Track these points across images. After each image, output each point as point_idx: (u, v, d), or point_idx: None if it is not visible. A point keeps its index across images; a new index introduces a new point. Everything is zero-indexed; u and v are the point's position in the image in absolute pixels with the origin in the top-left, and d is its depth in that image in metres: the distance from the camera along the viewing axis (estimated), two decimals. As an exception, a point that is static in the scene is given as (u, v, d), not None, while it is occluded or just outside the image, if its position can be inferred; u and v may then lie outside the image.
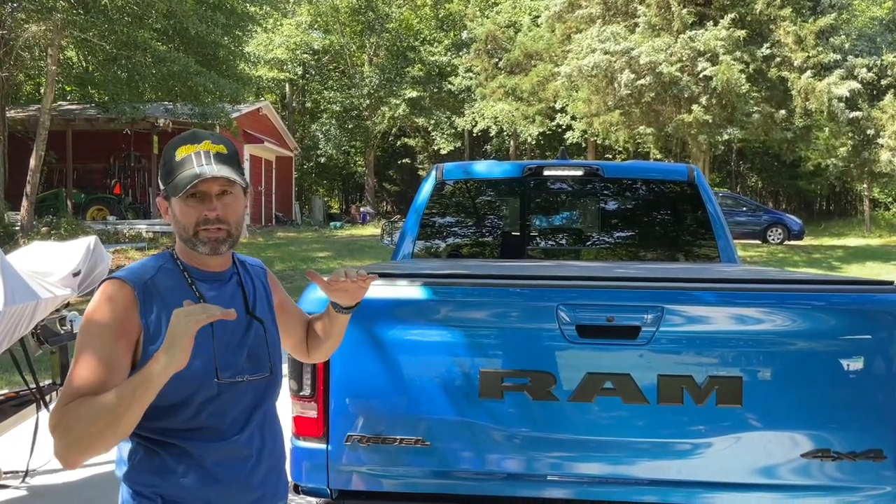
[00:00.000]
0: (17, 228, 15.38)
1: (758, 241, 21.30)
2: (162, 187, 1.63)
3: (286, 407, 2.50)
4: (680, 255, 4.18)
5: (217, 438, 1.61)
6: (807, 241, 22.40)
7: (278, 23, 30.91)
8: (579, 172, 4.20)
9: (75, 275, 4.37)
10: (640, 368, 2.19)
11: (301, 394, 2.39)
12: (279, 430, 1.78)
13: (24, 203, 15.57)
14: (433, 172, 4.29)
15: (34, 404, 4.33)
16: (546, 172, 4.19)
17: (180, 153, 1.59)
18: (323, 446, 2.38)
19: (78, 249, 4.44)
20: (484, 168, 4.43)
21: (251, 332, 1.68)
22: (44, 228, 15.65)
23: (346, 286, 1.76)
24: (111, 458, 4.91)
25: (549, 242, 4.37)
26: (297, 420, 2.42)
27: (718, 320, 2.21)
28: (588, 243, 4.31)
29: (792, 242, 21.58)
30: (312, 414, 2.38)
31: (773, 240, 21.63)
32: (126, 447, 1.63)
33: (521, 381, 2.22)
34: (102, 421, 1.39)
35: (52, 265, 4.32)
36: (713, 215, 4.09)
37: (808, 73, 17.76)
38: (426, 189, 4.22)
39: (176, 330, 1.39)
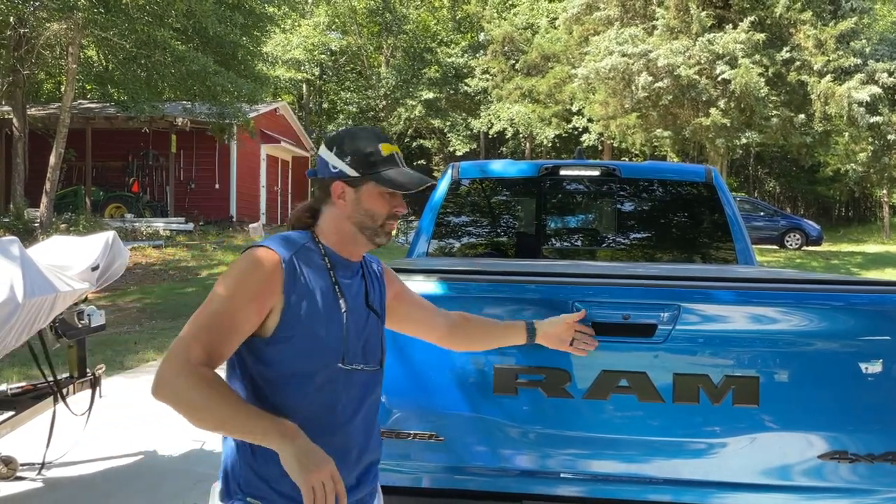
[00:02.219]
0: (36, 225, 15.56)
1: (775, 247, 21.12)
2: (352, 172, 1.66)
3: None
4: (697, 257, 4.15)
5: (326, 426, 1.62)
6: (825, 246, 22.18)
7: (296, 23, 31.08)
8: (596, 172, 4.18)
9: (94, 269, 4.41)
10: (655, 367, 2.17)
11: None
12: (378, 427, 1.81)
13: (44, 200, 15.75)
14: (449, 171, 4.29)
15: (51, 397, 4.36)
16: (563, 172, 4.18)
17: (385, 149, 1.68)
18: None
19: (97, 244, 4.48)
20: (500, 167, 4.43)
21: (369, 323, 1.74)
22: (62, 225, 15.83)
23: (567, 339, 2.09)
24: (128, 451, 4.95)
25: (565, 242, 4.35)
26: None
27: (736, 319, 2.19)
28: (604, 244, 4.30)
29: (810, 248, 21.38)
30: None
31: (791, 245, 21.44)
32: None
33: (535, 377, 2.21)
34: (209, 421, 1.47)
35: (70, 259, 4.35)
36: (731, 218, 4.06)
37: (828, 77, 17.61)
38: (442, 188, 4.22)
39: (316, 460, 1.43)
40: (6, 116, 18.68)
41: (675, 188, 4.27)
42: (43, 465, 4.46)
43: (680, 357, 2.18)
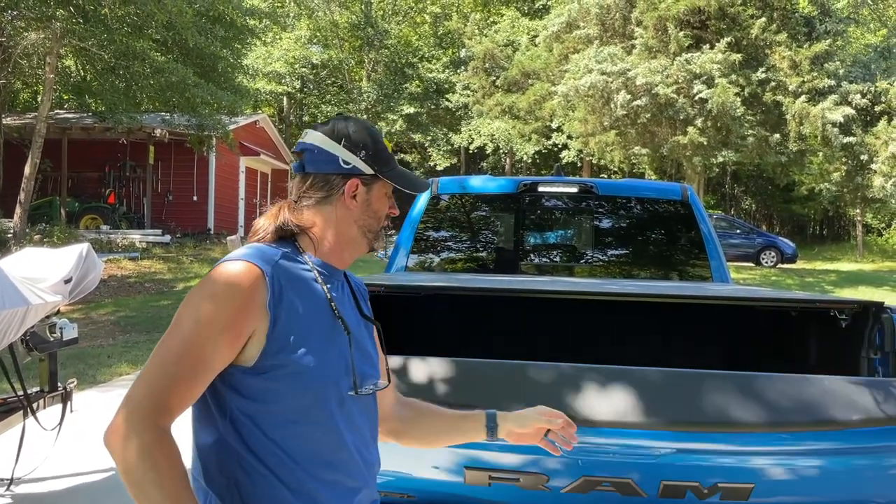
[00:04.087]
0: (9, 235, 15.31)
1: (751, 264, 21.37)
2: (367, 169, 1.46)
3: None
4: (673, 273, 4.19)
5: (337, 466, 1.39)
6: (800, 264, 22.48)
7: (277, 37, 31.06)
8: (574, 189, 4.22)
9: (66, 282, 4.34)
10: None
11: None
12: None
13: (18, 210, 15.51)
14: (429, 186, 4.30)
15: (21, 412, 4.28)
16: (541, 189, 4.21)
17: (388, 144, 1.58)
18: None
19: (70, 256, 4.42)
20: (479, 183, 4.45)
21: (369, 336, 1.54)
22: (36, 236, 15.59)
23: (539, 437, 1.64)
24: (99, 467, 4.86)
25: (543, 258, 4.38)
26: None
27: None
28: (581, 260, 4.33)
29: (785, 265, 21.65)
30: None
31: (767, 262, 21.71)
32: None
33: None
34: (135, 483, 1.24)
35: (43, 271, 4.29)
36: (706, 235, 4.11)
37: (803, 97, 17.92)
38: (421, 202, 4.23)
39: None
40: (-20, 125, 18.41)
41: (651, 206, 4.32)
42: (11, 481, 4.37)
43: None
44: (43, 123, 15.46)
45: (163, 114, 18.67)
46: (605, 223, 4.32)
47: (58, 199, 19.49)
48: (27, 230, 15.80)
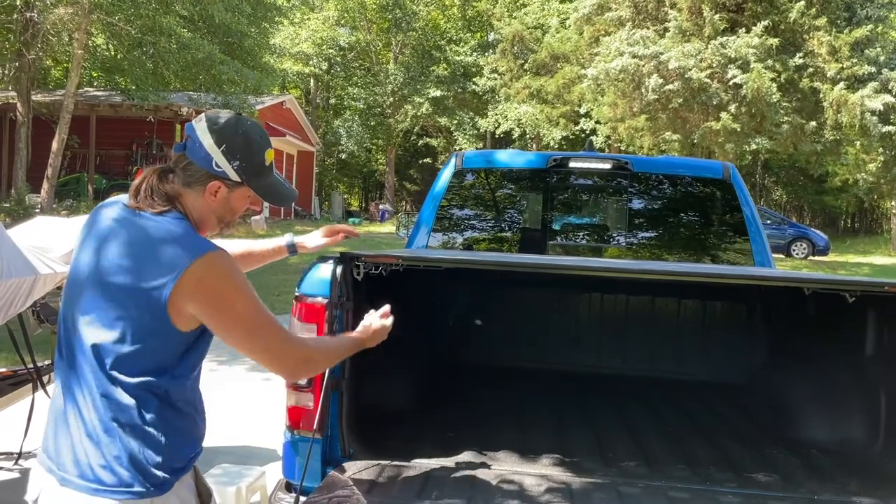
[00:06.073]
0: (37, 211, 15.42)
1: (781, 256, 20.87)
2: (234, 177, 1.67)
3: (280, 397, 2.31)
4: (711, 258, 3.94)
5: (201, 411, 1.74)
6: (831, 257, 21.93)
7: (305, 17, 30.92)
8: (607, 166, 3.98)
9: (78, 252, 4.22)
10: None
11: (297, 383, 2.20)
12: None
13: (45, 185, 15.63)
14: (453, 160, 4.09)
15: (30, 384, 4.19)
16: (572, 164, 3.98)
17: (269, 156, 1.72)
18: (319, 439, 2.19)
19: (82, 226, 4.29)
20: (506, 157, 4.23)
21: None
22: (63, 212, 15.68)
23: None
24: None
25: (572, 239, 4.15)
26: (292, 411, 2.22)
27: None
28: (612, 242, 4.09)
29: (816, 258, 21.12)
30: (309, 404, 2.19)
31: (798, 254, 21.19)
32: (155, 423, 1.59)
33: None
34: (333, 361, 1.93)
35: (54, 241, 4.16)
36: (749, 218, 3.85)
37: (841, 84, 17.35)
38: (444, 177, 4.02)
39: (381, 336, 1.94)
40: (11, 101, 18.56)
41: (689, 185, 4.06)
42: (20, 455, 4.28)
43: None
44: (71, 99, 15.50)
45: (190, 92, 18.69)
46: (640, 202, 4.07)
47: (85, 175, 19.63)
48: (54, 205, 15.90)
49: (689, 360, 3.83)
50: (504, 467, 2.32)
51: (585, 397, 3.37)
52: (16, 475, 4.20)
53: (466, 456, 2.38)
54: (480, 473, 2.26)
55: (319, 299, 2.23)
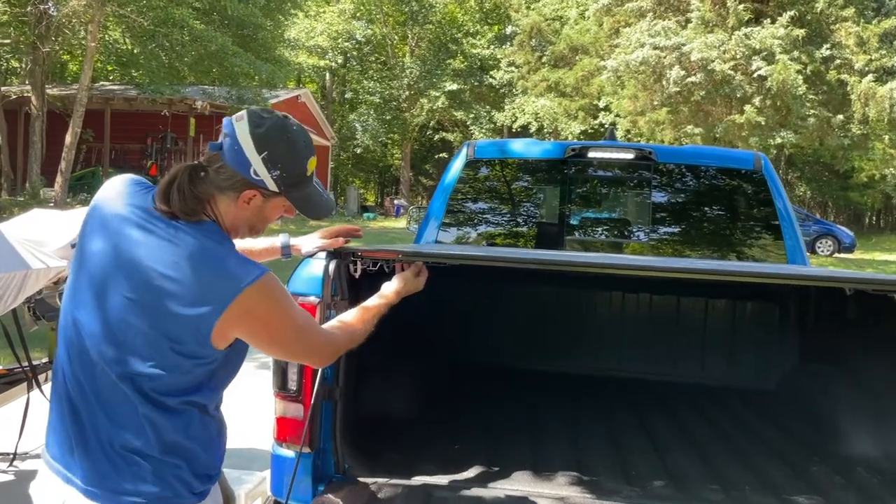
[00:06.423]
0: (51, 205, 15.41)
1: (807, 253, 20.40)
2: (273, 188, 1.53)
3: (268, 407, 2.10)
4: (738, 254, 3.68)
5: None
6: (857, 254, 21.47)
7: (321, 10, 30.82)
8: (630, 156, 3.72)
9: (74, 246, 4.04)
10: None
11: (285, 391, 1.99)
12: None
13: (59, 179, 15.64)
14: (464, 149, 3.85)
15: (25, 383, 4.05)
16: (592, 154, 3.72)
17: (311, 165, 1.59)
18: (309, 454, 1.98)
19: (79, 219, 4.11)
20: (522, 147, 3.98)
21: None
22: (77, 205, 15.66)
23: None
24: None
25: (591, 234, 3.90)
26: (280, 423, 2.01)
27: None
28: (635, 237, 3.84)
29: (842, 255, 20.65)
30: (298, 415, 1.97)
31: (823, 251, 20.74)
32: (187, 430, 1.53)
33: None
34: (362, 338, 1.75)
35: (49, 234, 4.01)
36: (782, 212, 3.58)
37: (870, 76, 16.95)
38: (455, 167, 3.78)
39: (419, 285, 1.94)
40: (26, 95, 18.62)
41: (718, 176, 3.79)
42: (15, 456, 4.14)
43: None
44: (84, 92, 15.48)
45: (204, 86, 18.65)
46: (664, 195, 3.80)
47: (100, 169, 19.63)
48: (68, 199, 15.88)
49: (716, 365, 3.58)
50: (515, 486, 2.09)
51: (604, 405, 3.13)
52: (11, 477, 4.07)
53: (473, 472, 2.15)
54: (489, 493, 2.03)
55: (311, 299, 2.01)
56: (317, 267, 2.03)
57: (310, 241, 2.08)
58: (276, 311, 1.52)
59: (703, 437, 2.77)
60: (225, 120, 1.57)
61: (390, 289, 1.89)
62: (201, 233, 1.49)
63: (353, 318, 1.76)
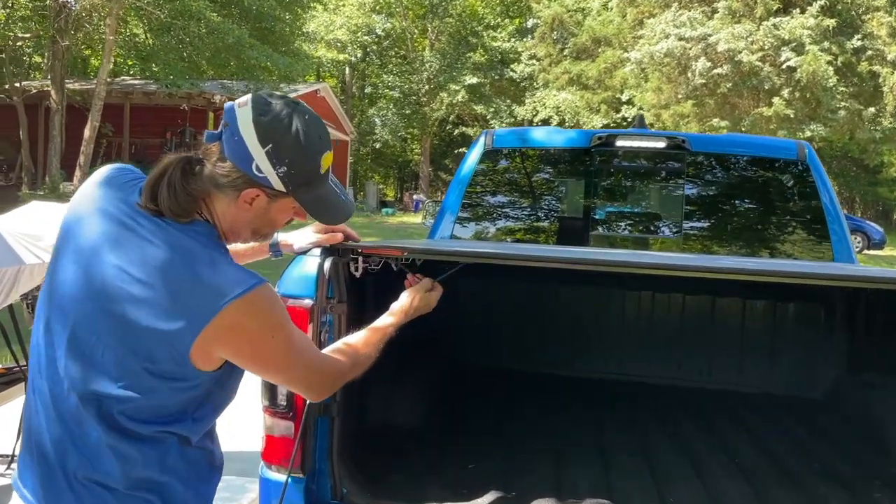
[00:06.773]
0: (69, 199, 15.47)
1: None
2: (279, 187, 1.31)
3: (256, 424, 1.88)
4: (781, 251, 3.39)
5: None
6: (887, 251, 20.92)
7: (340, 3, 30.75)
8: (661, 144, 3.44)
9: (72, 241, 3.88)
10: None
11: (274, 405, 1.76)
12: None
13: (77, 173, 15.69)
14: (482, 139, 3.60)
15: (23, 383, 3.92)
16: (619, 143, 3.46)
17: (325, 162, 1.36)
18: (301, 478, 1.75)
19: (78, 212, 3.95)
20: (543, 135, 3.73)
21: None
22: (95, 199, 15.70)
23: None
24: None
25: (618, 229, 3.63)
26: (269, 442, 1.79)
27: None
28: (666, 233, 3.56)
29: (871, 252, 20.12)
30: (289, 433, 1.75)
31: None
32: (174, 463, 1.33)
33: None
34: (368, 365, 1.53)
35: (45, 228, 3.86)
36: (828, 206, 3.29)
37: (903, 68, 16.48)
38: (472, 158, 3.54)
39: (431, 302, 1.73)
40: (46, 89, 18.70)
41: (757, 166, 3.50)
42: (13, 458, 3.99)
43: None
44: (102, 86, 15.49)
45: (223, 80, 18.66)
46: (699, 188, 3.53)
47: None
48: (86, 193, 15.91)
49: (755, 371, 3.31)
50: None
51: (633, 416, 2.87)
52: (8, 481, 3.91)
53: (489, 497, 1.92)
54: None
55: (305, 301, 1.78)
56: (311, 265, 1.79)
57: (303, 237, 1.83)
58: (265, 328, 1.30)
59: (747, 453, 2.51)
60: (227, 105, 1.34)
61: (398, 307, 1.69)
62: (187, 234, 1.28)
63: (360, 342, 1.54)
